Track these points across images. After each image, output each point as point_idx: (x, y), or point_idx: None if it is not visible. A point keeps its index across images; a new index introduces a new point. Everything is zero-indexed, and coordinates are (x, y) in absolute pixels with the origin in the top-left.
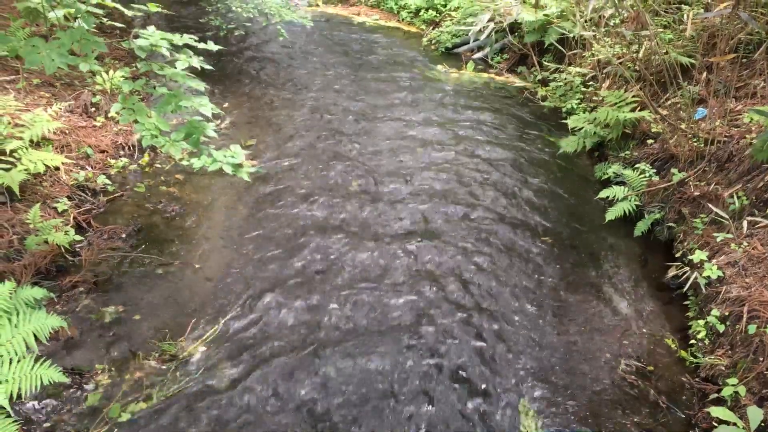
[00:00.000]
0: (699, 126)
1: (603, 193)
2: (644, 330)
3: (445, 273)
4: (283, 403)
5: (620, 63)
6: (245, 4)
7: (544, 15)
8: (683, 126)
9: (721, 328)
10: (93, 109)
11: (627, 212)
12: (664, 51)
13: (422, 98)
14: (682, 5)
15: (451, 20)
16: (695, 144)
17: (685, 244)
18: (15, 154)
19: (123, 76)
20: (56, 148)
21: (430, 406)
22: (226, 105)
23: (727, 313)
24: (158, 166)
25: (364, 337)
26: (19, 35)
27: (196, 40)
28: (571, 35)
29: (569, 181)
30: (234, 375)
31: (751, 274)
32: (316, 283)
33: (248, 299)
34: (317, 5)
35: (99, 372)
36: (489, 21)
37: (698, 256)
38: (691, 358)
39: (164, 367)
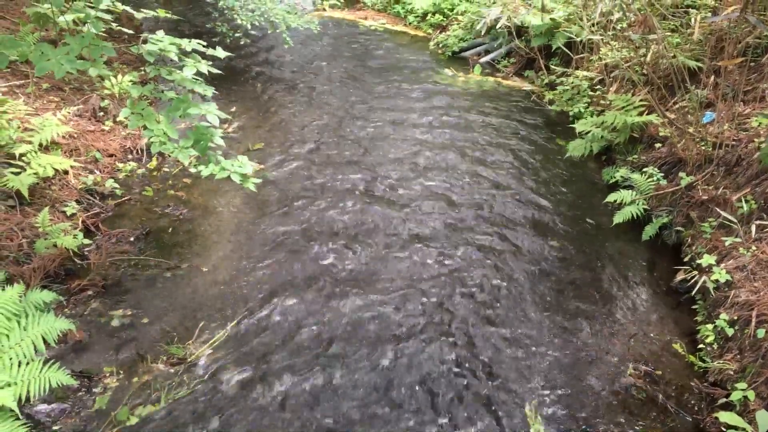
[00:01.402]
0: (707, 130)
1: (611, 197)
2: (652, 334)
3: (451, 278)
4: (291, 407)
5: (628, 67)
6: (251, 13)
7: (551, 19)
8: (691, 130)
9: (730, 332)
10: (101, 113)
11: (635, 216)
12: (672, 55)
13: (429, 102)
14: (690, 9)
15: (458, 24)
16: (703, 148)
17: (694, 248)
18: (24, 158)
19: (131, 81)
20: (65, 152)
21: (437, 414)
22: (233, 109)
23: (735, 318)
24: (166, 169)
25: (369, 343)
26: (29, 40)
27: (204, 46)
28: (579, 39)
29: (576, 185)
30: (242, 378)
31: (760, 279)
32: (324, 287)
33: (256, 303)
34: (324, 9)
35: (107, 375)
36: (499, 15)
37: (706, 260)
38: (700, 362)
39: (172, 370)
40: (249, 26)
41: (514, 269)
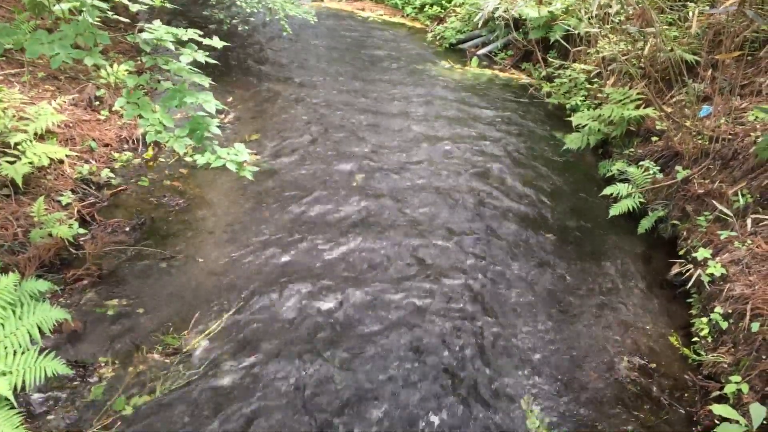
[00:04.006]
0: (704, 123)
1: (607, 190)
2: (647, 327)
3: (447, 268)
4: (286, 397)
5: (625, 60)
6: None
7: (549, 11)
8: (688, 123)
9: (724, 325)
10: (97, 102)
11: (631, 209)
12: (669, 48)
13: (426, 94)
14: (688, 2)
15: (455, 16)
16: (700, 141)
17: (689, 241)
18: (19, 147)
19: (127, 70)
20: (60, 142)
21: (434, 407)
22: (230, 99)
23: (730, 311)
24: (162, 160)
25: (366, 332)
26: (24, 28)
27: (201, 35)
28: (576, 32)
29: (573, 178)
30: (237, 369)
31: (755, 272)
32: (319, 277)
33: (252, 293)
34: (321, 0)
35: (103, 365)
36: (497, 6)
37: (702, 253)
38: (694, 355)
39: (168, 360)
40: (248, 11)
41: (508, 261)
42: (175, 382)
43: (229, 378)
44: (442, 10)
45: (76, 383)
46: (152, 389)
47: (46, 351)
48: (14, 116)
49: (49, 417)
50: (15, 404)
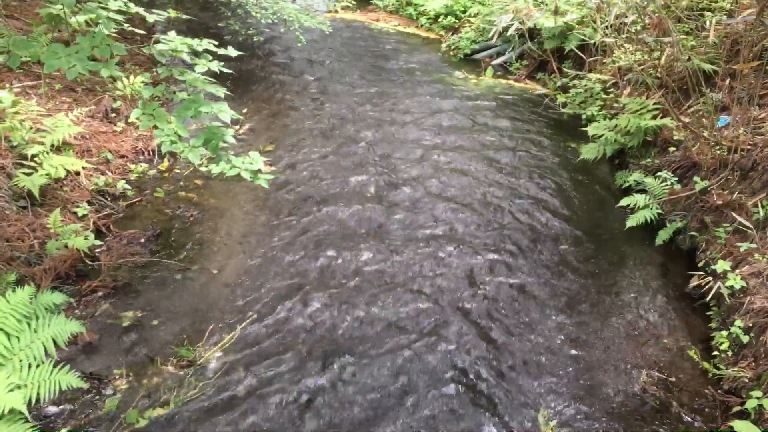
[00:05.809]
0: (722, 134)
1: (624, 201)
2: (666, 340)
3: (461, 278)
4: (300, 410)
5: (642, 70)
6: (264, 11)
7: (564, 21)
8: (706, 134)
9: (745, 339)
10: (113, 114)
11: (648, 220)
12: (687, 58)
13: (441, 104)
14: (705, 12)
15: (470, 26)
16: (718, 152)
17: (708, 253)
18: (36, 159)
19: (143, 82)
20: (77, 153)
21: (450, 419)
22: (245, 110)
23: (750, 324)
24: (177, 171)
25: (381, 347)
26: (41, 41)
27: (216, 45)
28: (592, 42)
29: (589, 189)
30: (251, 381)
31: None
32: (334, 289)
33: (266, 305)
34: (336, 11)
35: (117, 377)
36: (510, 22)
37: (721, 265)
38: (714, 369)
39: (182, 372)
40: (263, 21)
41: (524, 273)
42: (188, 395)
43: (243, 390)
44: (457, 21)
45: (90, 396)
46: (166, 401)
47: (61, 364)
48: (31, 128)
49: (63, 430)
50: (29, 418)
